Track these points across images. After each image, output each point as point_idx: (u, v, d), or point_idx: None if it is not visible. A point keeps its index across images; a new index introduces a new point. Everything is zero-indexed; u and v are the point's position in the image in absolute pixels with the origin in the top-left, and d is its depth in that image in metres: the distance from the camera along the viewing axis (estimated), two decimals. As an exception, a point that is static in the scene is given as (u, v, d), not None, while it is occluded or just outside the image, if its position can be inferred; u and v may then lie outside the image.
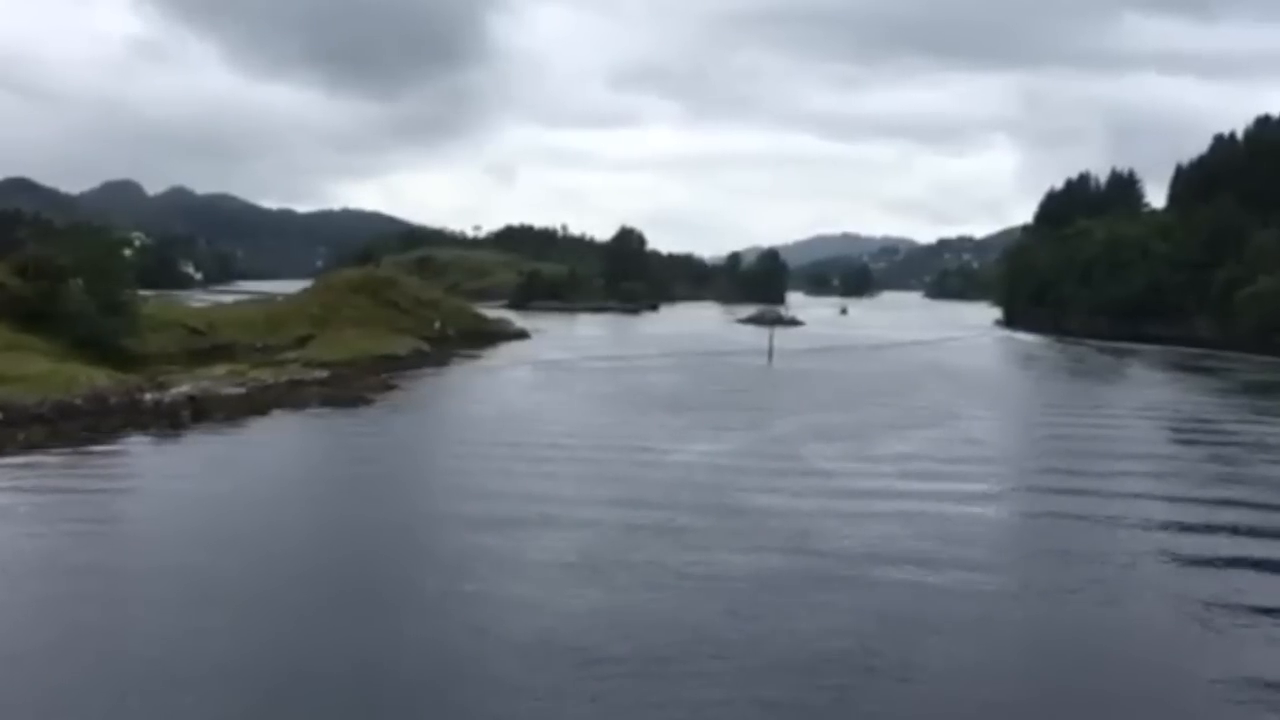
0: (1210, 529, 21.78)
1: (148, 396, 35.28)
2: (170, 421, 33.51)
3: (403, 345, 58.03)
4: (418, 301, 74.66)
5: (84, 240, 66.33)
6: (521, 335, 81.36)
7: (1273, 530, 21.83)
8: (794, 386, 50.30)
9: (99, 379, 35.49)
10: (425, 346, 59.98)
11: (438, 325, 72.08)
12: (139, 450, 29.42)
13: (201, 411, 35.03)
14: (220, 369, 42.31)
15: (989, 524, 21.90)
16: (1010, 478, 27.22)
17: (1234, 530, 21.72)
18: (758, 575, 17.48)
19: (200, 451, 29.36)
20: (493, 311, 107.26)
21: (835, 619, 15.43)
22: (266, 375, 42.09)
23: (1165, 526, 21.87)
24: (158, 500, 22.89)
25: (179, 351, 55.23)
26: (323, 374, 45.15)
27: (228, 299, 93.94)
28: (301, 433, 33.16)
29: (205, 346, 57.62)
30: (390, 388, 44.15)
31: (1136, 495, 24.89)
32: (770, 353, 66.45)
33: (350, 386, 42.75)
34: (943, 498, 23.78)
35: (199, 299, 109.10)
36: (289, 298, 77.09)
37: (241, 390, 37.94)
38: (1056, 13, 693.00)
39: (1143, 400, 47.17)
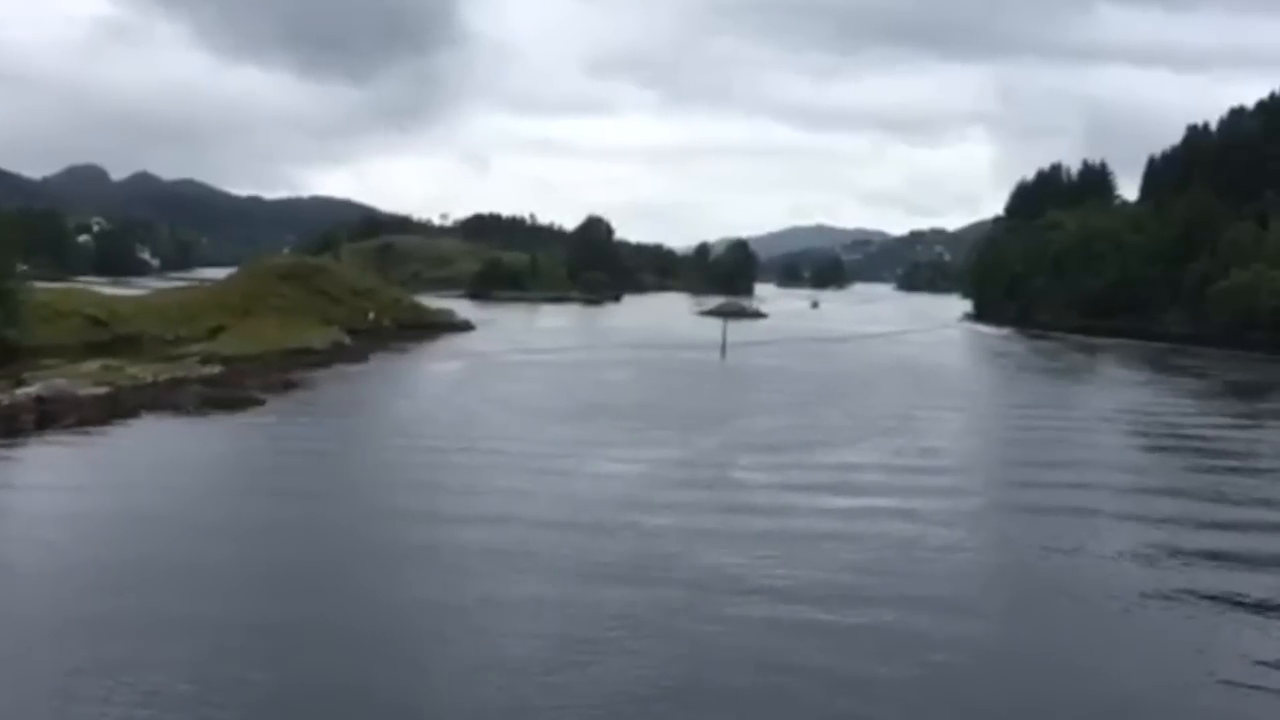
0: (1210, 569, 17.95)
1: (-13, 398, 30.65)
2: (6, 428, 28.92)
3: (321, 338, 53.45)
4: (352, 291, 69.95)
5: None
6: (466, 327, 76.89)
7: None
8: (743, 386, 46.37)
9: (-76, 377, 30.86)
10: (347, 339, 55.38)
11: (372, 316, 67.58)
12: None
13: (50, 416, 30.45)
14: (93, 365, 37.73)
15: (936, 564, 17.91)
16: (966, 500, 23.26)
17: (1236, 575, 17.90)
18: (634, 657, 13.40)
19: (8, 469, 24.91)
20: (448, 302, 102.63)
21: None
22: (146, 373, 37.56)
23: (1145, 564, 18.04)
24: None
25: (76, 344, 50.47)
26: (215, 370, 40.67)
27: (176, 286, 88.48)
28: (156, 442, 28.61)
29: (106, 339, 52.85)
30: (290, 386, 39.71)
31: (1112, 521, 21.05)
32: (723, 348, 62.45)
33: (242, 385, 38.23)
34: (883, 527, 19.86)
35: (149, 286, 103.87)
36: (215, 284, 72.29)
37: (105, 390, 33.38)
38: (1031, 5, 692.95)
39: (1119, 403, 43.54)
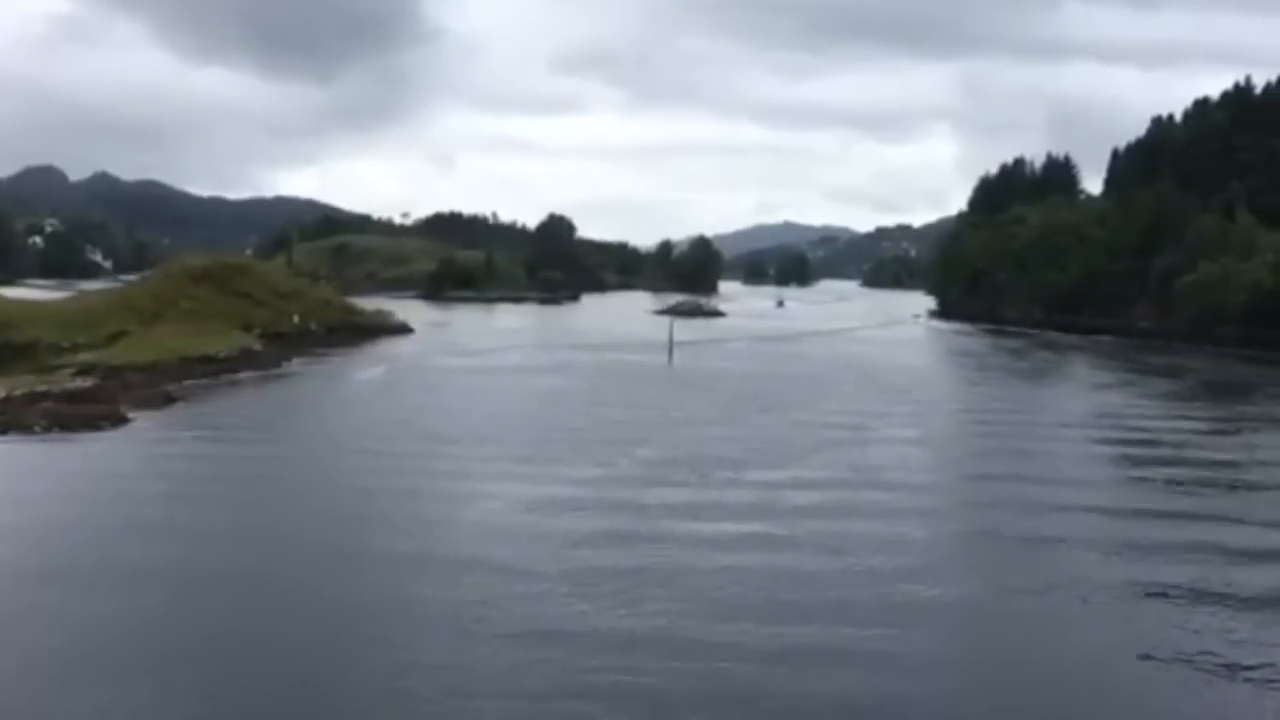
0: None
1: None
2: None
3: (228, 344, 48.94)
4: (275, 293, 65.34)
5: None
6: (402, 330, 72.44)
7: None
8: (685, 393, 42.57)
9: None
10: (258, 345, 50.91)
11: (296, 319, 63.10)
12: None
13: None
14: (-61, 380, 33.24)
15: (859, 633, 14.21)
16: (910, 540, 19.61)
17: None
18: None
19: None
20: (399, 303, 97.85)
21: None
22: (1, 387, 33.09)
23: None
24: None
25: (-44, 354, 46.00)
26: (88, 384, 36.24)
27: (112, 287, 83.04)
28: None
29: (-7, 348, 48.25)
30: (170, 401, 35.35)
31: (1082, 577, 17.50)
32: (670, 350, 58.67)
33: (116, 399, 33.84)
34: (799, 580, 16.16)
35: (90, 288, 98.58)
36: (124, 287, 67.56)
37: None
38: (999, 2, 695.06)
39: (1090, 408, 40.16)
